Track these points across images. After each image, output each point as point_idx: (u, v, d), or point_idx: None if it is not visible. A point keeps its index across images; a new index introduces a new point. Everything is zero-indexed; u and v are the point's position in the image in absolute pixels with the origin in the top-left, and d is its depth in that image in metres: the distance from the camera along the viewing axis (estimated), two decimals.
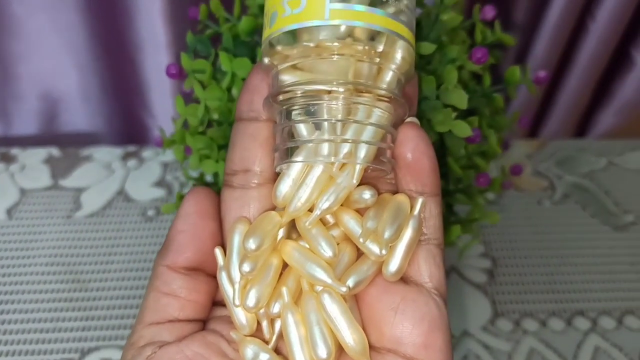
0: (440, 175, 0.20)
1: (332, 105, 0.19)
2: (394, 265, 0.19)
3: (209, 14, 0.27)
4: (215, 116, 0.24)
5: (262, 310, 0.19)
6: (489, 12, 0.25)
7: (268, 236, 0.19)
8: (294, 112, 0.19)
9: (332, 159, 0.18)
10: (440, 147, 0.24)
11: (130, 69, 0.46)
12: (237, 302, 0.19)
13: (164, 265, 0.20)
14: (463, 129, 0.21)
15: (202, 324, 0.21)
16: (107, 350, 0.36)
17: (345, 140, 0.19)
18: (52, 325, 0.37)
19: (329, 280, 0.19)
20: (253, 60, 0.24)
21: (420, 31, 0.24)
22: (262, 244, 0.19)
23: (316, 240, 0.19)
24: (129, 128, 0.52)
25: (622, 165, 0.49)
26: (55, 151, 0.48)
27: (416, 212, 0.19)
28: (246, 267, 0.19)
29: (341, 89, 0.18)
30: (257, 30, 0.26)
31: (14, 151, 0.48)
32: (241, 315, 0.20)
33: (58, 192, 0.45)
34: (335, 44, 0.18)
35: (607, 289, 0.40)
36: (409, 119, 0.20)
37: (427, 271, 0.20)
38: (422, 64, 0.24)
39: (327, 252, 0.19)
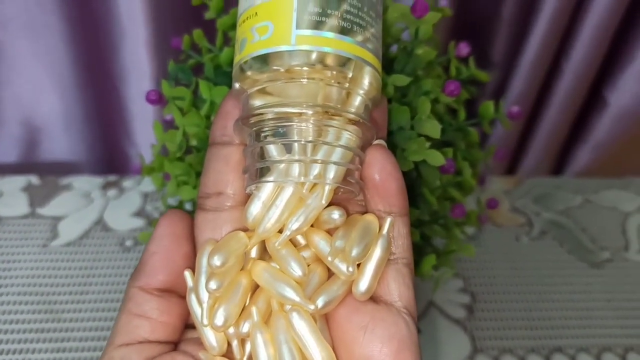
0: (416, 205, 0.20)
1: (302, 127, 0.19)
2: (363, 284, 0.19)
3: (192, 44, 0.28)
4: (194, 142, 0.24)
5: (232, 331, 0.19)
6: (464, 48, 0.26)
7: (233, 254, 0.19)
8: (263, 134, 0.19)
9: (302, 179, 0.19)
10: (416, 178, 0.25)
11: (113, 97, 0.47)
12: (205, 321, 0.19)
13: (136, 287, 0.20)
14: (436, 158, 0.22)
15: (174, 346, 0.21)
16: None
17: (315, 161, 0.19)
18: (21, 357, 0.36)
19: (297, 299, 0.19)
20: None
21: (396, 65, 0.25)
22: (227, 261, 0.19)
23: (286, 260, 0.19)
24: (110, 157, 0.52)
25: (597, 203, 0.50)
26: (34, 179, 0.48)
27: (385, 231, 0.20)
28: (213, 285, 0.19)
29: (310, 112, 0.19)
30: None
31: None
32: (211, 336, 0.20)
33: (35, 221, 0.45)
34: (305, 68, 0.19)
35: (584, 325, 0.40)
36: (376, 142, 0.21)
37: (397, 290, 0.20)
38: (397, 97, 0.24)
39: (297, 271, 0.19)
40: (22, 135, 0.51)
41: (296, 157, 0.19)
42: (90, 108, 0.50)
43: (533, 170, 0.53)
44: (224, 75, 0.27)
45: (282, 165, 0.19)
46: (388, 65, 0.25)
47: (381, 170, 0.20)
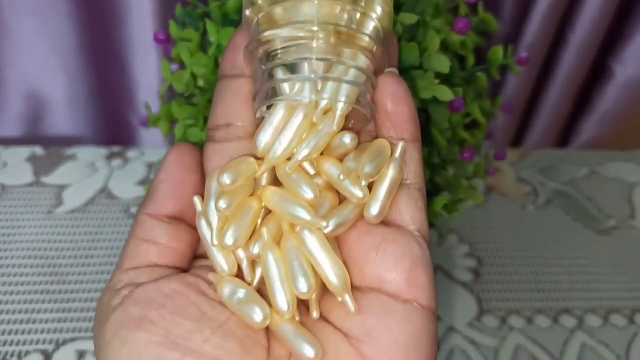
0: (425, 146, 0.20)
1: (314, 46, 0.19)
2: (375, 207, 0.19)
3: None
4: (201, 83, 0.24)
5: (241, 254, 0.19)
6: None
7: (242, 174, 0.19)
8: (273, 56, 0.19)
9: (314, 97, 0.19)
10: (426, 120, 0.25)
11: (118, 70, 0.47)
12: (215, 241, 0.19)
13: (145, 214, 0.20)
14: (445, 93, 0.22)
15: (183, 272, 0.20)
16: (83, 342, 0.34)
17: (327, 78, 0.19)
18: (27, 317, 0.36)
19: (308, 217, 0.18)
20: None
21: (404, 8, 0.25)
22: (236, 180, 0.18)
23: (297, 183, 0.19)
24: (114, 131, 0.52)
25: (603, 174, 0.50)
26: (38, 150, 0.48)
27: (397, 154, 0.19)
28: (222, 204, 0.18)
29: (322, 33, 0.19)
30: None
31: None
32: (220, 258, 0.19)
33: (39, 189, 0.44)
34: None
35: (591, 288, 0.40)
36: (388, 69, 0.20)
37: (409, 214, 0.20)
38: (406, 38, 0.24)
39: (308, 193, 0.19)
40: (27, 110, 0.51)
41: (307, 76, 0.18)
42: (95, 83, 0.50)
43: (538, 144, 0.53)
44: (231, 24, 0.26)
45: (295, 86, 0.19)
46: (396, 7, 0.25)
47: (393, 95, 0.19)
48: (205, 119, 0.26)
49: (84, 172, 0.46)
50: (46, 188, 0.45)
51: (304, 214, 0.19)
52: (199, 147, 0.23)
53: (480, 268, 0.41)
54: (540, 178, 0.49)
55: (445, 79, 0.25)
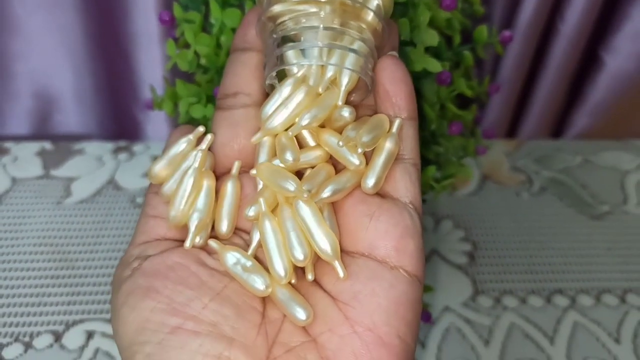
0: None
1: (322, 15, 0.20)
2: (371, 177, 0.20)
3: None
4: (203, 62, 0.25)
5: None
6: None
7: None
8: (284, 27, 0.21)
9: (323, 60, 0.20)
10: (416, 96, 0.26)
11: (123, 66, 0.48)
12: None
13: (152, 192, 0.22)
14: (433, 65, 0.23)
15: None
16: (92, 323, 0.36)
17: (334, 45, 0.20)
18: (37, 300, 0.37)
19: (292, 188, 0.20)
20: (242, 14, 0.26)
21: None
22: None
23: (281, 149, 0.20)
24: (120, 127, 0.53)
25: (596, 163, 0.51)
26: (47, 145, 0.50)
27: (394, 129, 0.21)
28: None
29: (328, 7, 0.20)
30: None
31: (7, 144, 0.49)
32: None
33: (49, 181, 0.46)
34: None
35: (584, 270, 0.41)
36: (389, 53, 0.22)
37: (403, 187, 0.21)
38: (397, 15, 0.26)
39: (289, 158, 0.20)
40: (35, 108, 0.53)
41: (317, 43, 0.20)
42: (101, 79, 0.52)
43: (533, 135, 0.54)
44: (232, 7, 0.28)
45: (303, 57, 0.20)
46: None
47: (392, 75, 0.21)
48: (208, 97, 0.27)
49: (91, 165, 0.48)
50: (55, 180, 0.46)
51: (289, 186, 0.20)
52: (202, 123, 0.25)
53: (475, 252, 0.42)
54: (535, 167, 0.50)
55: (434, 57, 0.26)
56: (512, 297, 0.39)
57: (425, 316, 0.34)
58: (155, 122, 0.52)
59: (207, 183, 0.21)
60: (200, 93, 0.26)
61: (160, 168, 0.22)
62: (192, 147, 0.21)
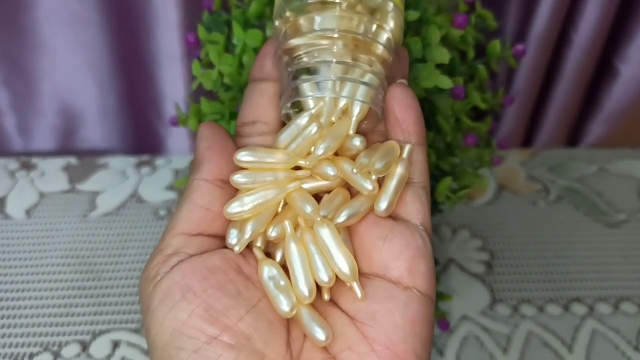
0: (432, 132, 0.23)
1: (335, 50, 0.21)
2: (384, 201, 0.21)
3: (223, 4, 0.30)
4: (227, 81, 0.27)
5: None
6: None
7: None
8: (298, 60, 0.22)
9: (336, 92, 0.21)
10: (431, 110, 0.27)
11: (145, 83, 0.50)
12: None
13: (199, 179, 0.22)
14: (444, 81, 0.24)
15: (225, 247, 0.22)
16: (118, 333, 0.37)
17: (346, 79, 0.21)
18: (65, 310, 0.38)
19: (309, 211, 0.21)
20: (264, 35, 0.27)
21: (407, 6, 0.27)
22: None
23: (300, 204, 0.21)
24: (143, 142, 0.55)
25: (612, 171, 0.51)
26: (73, 160, 0.51)
27: (405, 155, 0.22)
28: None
29: (341, 42, 0.21)
30: (265, 14, 0.29)
31: (35, 160, 0.51)
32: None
33: (75, 195, 0.48)
34: (338, 0, 0.21)
35: (601, 278, 0.41)
36: (399, 81, 0.23)
37: (414, 209, 0.22)
38: (411, 35, 0.26)
39: (308, 210, 0.21)
40: (61, 124, 0.55)
41: (331, 76, 0.21)
42: (124, 96, 0.53)
43: (548, 144, 0.55)
44: (253, 27, 0.29)
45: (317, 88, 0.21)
46: None
47: (402, 103, 0.22)
48: (230, 114, 0.28)
49: (115, 179, 0.49)
50: (81, 194, 0.48)
51: (307, 208, 0.21)
52: None
53: (492, 261, 0.42)
54: (550, 176, 0.50)
55: (448, 72, 0.27)
56: (530, 305, 0.39)
57: (443, 324, 0.34)
58: (177, 136, 0.53)
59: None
60: (223, 110, 0.27)
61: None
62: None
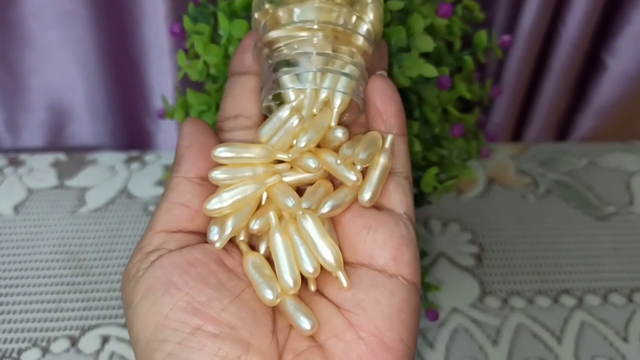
0: (419, 122, 0.23)
1: (315, 41, 0.21)
2: (368, 191, 0.21)
3: None
4: (213, 71, 0.26)
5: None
6: None
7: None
8: (278, 52, 0.22)
9: (316, 84, 0.21)
10: (418, 100, 0.27)
11: (135, 76, 0.50)
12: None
13: (178, 177, 0.22)
14: (429, 70, 0.24)
15: (205, 242, 0.22)
16: (107, 328, 0.37)
17: (326, 70, 0.21)
18: (54, 306, 0.38)
19: (291, 204, 0.21)
20: (250, 25, 0.27)
21: None
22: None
23: (281, 197, 0.21)
24: (132, 137, 0.55)
25: (601, 165, 0.51)
26: (61, 156, 0.51)
27: (387, 145, 0.22)
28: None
29: (321, 33, 0.21)
30: (251, 5, 0.29)
31: (23, 156, 0.51)
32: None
33: (63, 191, 0.47)
34: None
35: (591, 270, 0.41)
36: (378, 72, 0.23)
37: (397, 199, 0.22)
38: (396, 24, 0.26)
39: (289, 204, 0.21)
40: (49, 120, 0.54)
41: (311, 68, 0.21)
42: (113, 91, 0.53)
43: (538, 138, 0.55)
44: (239, 18, 0.29)
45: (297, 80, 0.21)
46: None
47: (382, 94, 0.22)
48: (217, 105, 0.28)
49: (104, 175, 0.49)
50: (70, 190, 0.47)
51: (289, 202, 0.21)
52: None
53: (482, 254, 0.42)
54: (540, 170, 0.50)
55: (435, 63, 0.27)
56: (520, 297, 0.39)
57: (432, 315, 0.34)
58: (166, 131, 0.53)
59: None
60: (210, 101, 0.27)
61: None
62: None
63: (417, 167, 0.29)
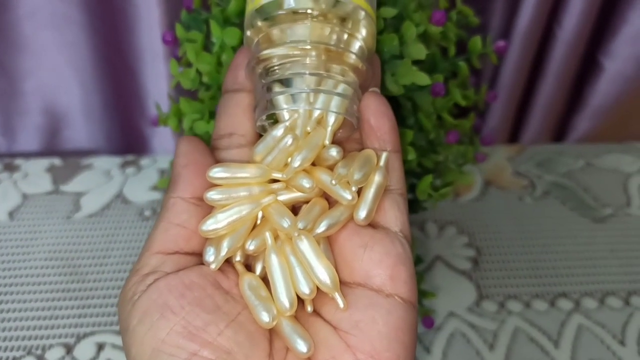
0: (414, 129, 0.23)
1: (307, 62, 0.21)
2: (363, 210, 0.21)
3: (202, 2, 0.30)
4: (205, 80, 0.26)
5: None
6: None
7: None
8: (272, 71, 0.22)
9: (308, 107, 0.21)
10: (413, 107, 0.27)
11: (130, 80, 0.49)
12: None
13: (175, 197, 0.22)
14: (422, 78, 0.24)
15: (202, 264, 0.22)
16: (102, 335, 0.37)
17: (319, 91, 0.21)
18: (49, 313, 0.38)
19: (286, 225, 0.21)
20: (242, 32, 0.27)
21: (385, 2, 0.27)
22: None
23: (277, 217, 0.21)
24: (128, 142, 0.54)
25: (599, 166, 0.51)
26: (57, 161, 0.51)
27: (381, 163, 0.22)
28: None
29: (313, 53, 0.21)
30: (245, 12, 0.29)
31: (18, 161, 0.50)
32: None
33: (59, 197, 0.47)
34: (309, 11, 0.21)
35: (588, 273, 0.41)
36: (371, 89, 0.23)
37: (393, 216, 0.22)
38: (390, 31, 0.26)
39: (285, 224, 0.21)
40: (45, 124, 0.54)
41: (304, 88, 0.21)
42: (108, 95, 0.53)
43: (535, 140, 0.55)
44: (232, 26, 0.29)
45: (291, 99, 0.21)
46: (379, 3, 0.27)
47: (375, 111, 0.22)
48: (210, 114, 0.28)
49: (100, 180, 0.49)
50: (65, 196, 0.47)
51: (284, 223, 0.21)
52: (204, 139, 0.26)
53: (479, 257, 0.42)
54: (537, 171, 0.50)
55: (429, 69, 0.27)
56: (517, 301, 0.39)
57: (427, 322, 0.34)
58: (162, 136, 0.53)
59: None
60: (203, 110, 0.27)
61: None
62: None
63: (412, 174, 0.29)
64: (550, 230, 0.45)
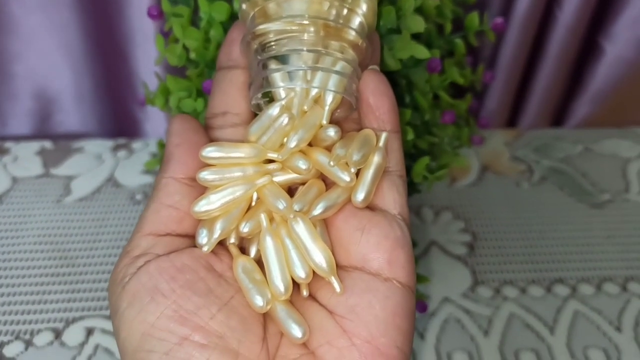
0: (410, 109, 0.22)
1: (305, 38, 0.20)
2: (361, 192, 0.20)
3: None
4: (193, 56, 0.25)
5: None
6: None
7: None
8: (268, 47, 0.21)
9: (305, 85, 0.20)
10: (408, 85, 0.26)
11: (121, 62, 0.49)
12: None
13: (167, 177, 0.21)
14: (420, 51, 0.23)
15: (194, 246, 0.21)
16: (92, 320, 0.36)
17: (317, 68, 0.20)
18: (38, 298, 0.37)
19: (281, 207, 0.20)
20: (230, 7, 0.26)
21: None
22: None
23: (272, 198, 0.21)
24: (120, 125, 0.54)
25: (597, 151, 0.50)
26: (47, 144, 0.50)
27: (381, 144, 0.21)
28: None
29: (311, 28, 0.20)
30: None
31: (8, 144, 0.50)
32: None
33: (49, 180, 0.46)
34: None
35: (585, 259, 0.41)
36: (370, 67, 0.22)
37: (391, 199, 0.21)
38: (385, 5, 0.25)
39: (281, 206, 0.20)
40: (35, 108, 0.53)
41: (301, 66, 0.20)
42: (99, 78, 0.52)
43: (533, 124, 0.54)
44: (220, 0, 0.28)
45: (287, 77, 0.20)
46: None
47: (375, 90, 0.21)
48: (198, 91, 0.27)
49: (91, 163, 0.48)
50: (55, 179, 0.46)
51: (280, 204, 0.20)
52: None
53: (475, 242, 0.42)
54: (535, 156, 0.50)
55: (425, 47, 0.26)
56: (512, 287, 0.38)
57: (420, 307, 0.34)
58: (154, 119, 0.52)
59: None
60: (190, 87, 0.26)
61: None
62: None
63: (407, 156, 0.28)
64: (548, 215, 0.44)
